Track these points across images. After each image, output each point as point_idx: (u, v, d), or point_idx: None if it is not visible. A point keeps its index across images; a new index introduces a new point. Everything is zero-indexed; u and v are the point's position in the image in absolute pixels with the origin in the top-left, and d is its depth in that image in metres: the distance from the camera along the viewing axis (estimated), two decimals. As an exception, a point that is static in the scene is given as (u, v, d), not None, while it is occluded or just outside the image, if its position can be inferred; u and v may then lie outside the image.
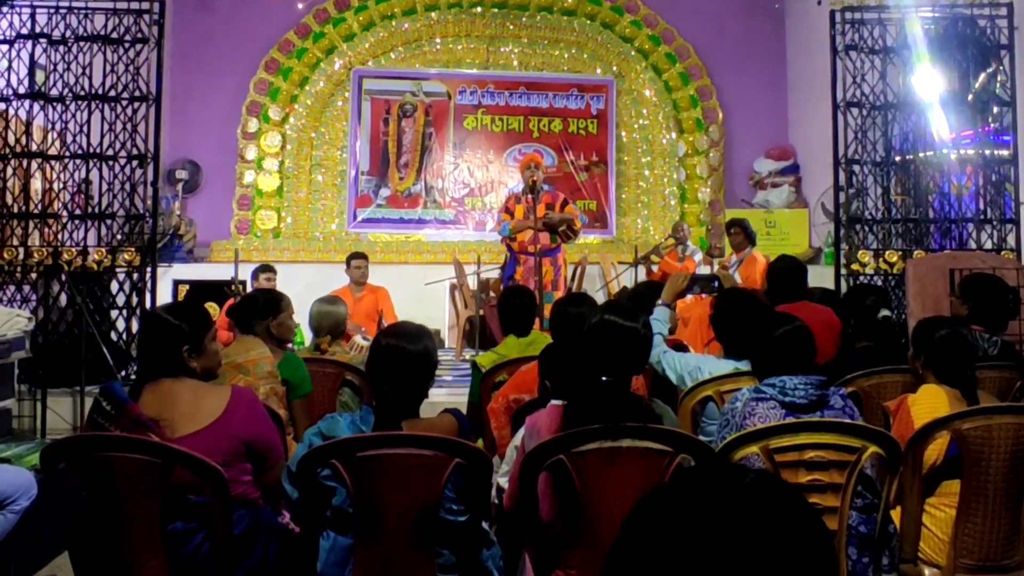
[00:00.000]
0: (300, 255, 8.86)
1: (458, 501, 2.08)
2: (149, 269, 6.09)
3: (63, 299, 5.93)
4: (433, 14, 9.62)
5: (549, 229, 6.14)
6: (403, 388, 2.18)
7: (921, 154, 6.38)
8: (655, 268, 7.15)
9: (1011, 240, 6.16)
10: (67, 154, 6.00)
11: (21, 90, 5.96)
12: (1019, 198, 6.14)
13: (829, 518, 2.12)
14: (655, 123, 9.81)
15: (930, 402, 2.51)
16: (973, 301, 3.51)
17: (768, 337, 2.40)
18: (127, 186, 6.06)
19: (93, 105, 6.01)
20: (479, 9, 9.68)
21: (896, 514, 2.42)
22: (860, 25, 6.40)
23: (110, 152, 6.02)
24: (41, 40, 5.99)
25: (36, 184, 6.09)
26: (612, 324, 2.19)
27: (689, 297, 5.43)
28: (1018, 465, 2.32)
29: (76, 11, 6.02)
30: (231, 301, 5.97)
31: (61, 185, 6.01)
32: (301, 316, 4.00)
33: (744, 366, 3.01)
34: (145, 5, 6.10)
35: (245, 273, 6.86)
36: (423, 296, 7.70)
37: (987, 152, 6.27)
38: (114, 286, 6.05)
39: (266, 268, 6.29)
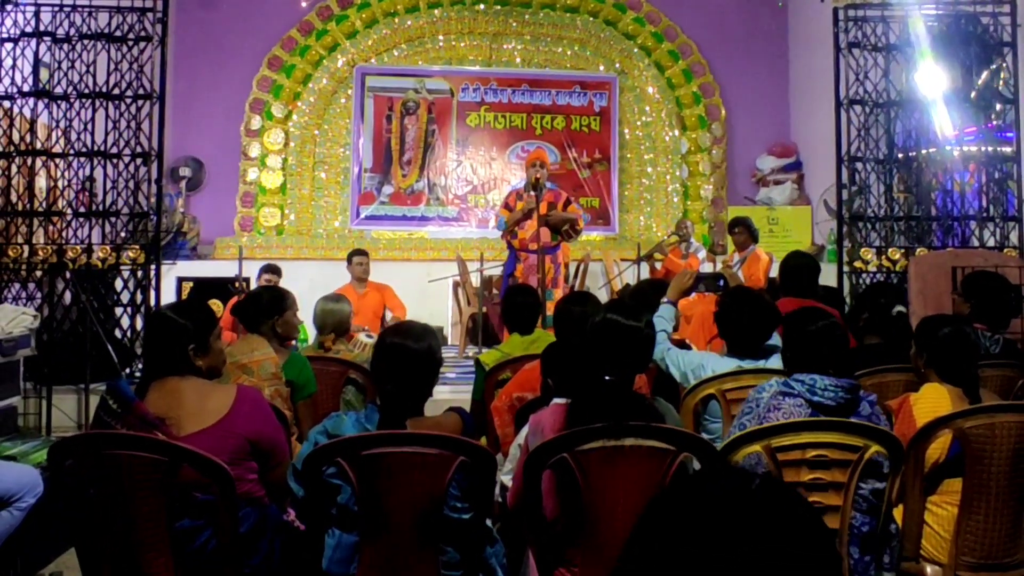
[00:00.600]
0: (303, 252, 8.88)
1: (462, 499, 2.10)
2: (153, 267, 6.11)
3: (68, 297, 5.95)
4: (436, 11, 9.63)
5: (551, 228, 6.15)
6: (407, 387, 2.19)
7: (924, 151, 6.38)
8: (659, 266, 7.15)
9: (1014, 238, 6.15)
10: (71, 152, 6.01)
11: (25, 88, 5.96)
12: (1022, 195, 6.14)
13: (831, 517, 2.13)
14: (658, 120, 9.81)
15: (932, 401, 2.52)
16: (975, 299, 3.51)
17: (802, 332, 2.38)
18: (131, 184, 6.06)
19: (97, 103, 6.01)
20: (482, 6, 9.68)
21: (898, 512, 2.43)
22: (863, 22, 6.39)
23: (114, 150, 6.03)
24: (45, 38, 5.99)
25: (40, 182, 6.10)
26: (615, 323, 2.20)
27: (692, 295, 5.44)
28: (1020, 463, 2.33)
29: (80, 9, 6.02)
30: (235, 299, 5.99)
31: (65, 183, 6.02)
32: (304, 313, 4.01)
33: (747, 364, 3.02)
34: (149, 3, 6.10)
35: (249, 270, 6.88)
36: (426, 293, 7.72)
37: (990, 149, 6.26)
38: (118, 284, 6.06)
39: (270, 268, 6.29)
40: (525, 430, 2.37)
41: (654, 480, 2.04)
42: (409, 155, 9.50)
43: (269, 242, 8.94)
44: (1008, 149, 6.22)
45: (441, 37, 9.72)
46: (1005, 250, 6.03)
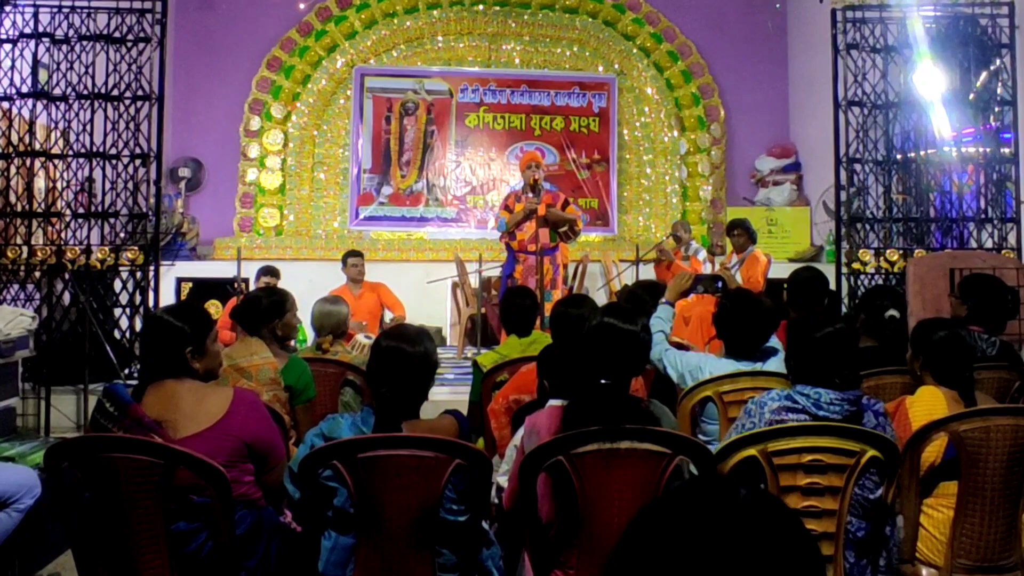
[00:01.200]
0: (302, 253, 8.88)
1: (458, 501, 2.10)
2: (152, 268, 6.11)
3: (67, 298, 5.96)
4: (435, 12, 9.64)
5: (551, 225, 6.15)
6: (403, 390, 2.20)
7: (922, 153, 6.39)
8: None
9: (1012, 239, 6.16)
10: (70, 153, 6.02)
11: (24, 89, 5.98)
12: (1020, 197, 6.14)
13: (827, 521, 2.13)
14: (657, 121, 9.82)
15: (928, 403, 2.53)
16: (972, 301, 3.52)
17: (807, 339, 2.34)
18: (130, 185, 6.07)
19: (96, 104, 6.02)
20: (481, 7, 9.69)
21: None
22: (861, 24, 6.40)
23: (113, 151, 6.04)
24: (44, 39, 6.00)
25: (39, 183, 6.11)
26: (611, 327, 2.21)
27: (690, 296, 5.44)
28: (1015, 466, 2.33)
29: (79, 10, 6.03)
30: (233, 300, 6.00)
31: (64, 184, 6.03)
32: (303, 314, 4.01)
33: (744, 366, 3.02)
34: (148, 4, 6.11)
35: (248, 271, 6.88)
36: (425, 294, 7.72)
37: (988, 151, 6.27)
38: (117, 284, 6.07)
39: (268, 271, 6.28)
40: (521, 431, 2.37)
41: (650, 483, 2.05)
42: (408, 156, 9.51)
43: (268, 243, 8.94)
44: (1006, 150, 6.23)
45: (440, 38, 9.72)
46: (1003, 251, 6.04)
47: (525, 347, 3.60)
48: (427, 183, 9.51)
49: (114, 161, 6.04)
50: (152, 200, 6.18)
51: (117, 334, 6.02)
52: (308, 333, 5.01)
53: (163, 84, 6.14)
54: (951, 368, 2.58)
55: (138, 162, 6.06)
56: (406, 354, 2.20)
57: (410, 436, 2.10)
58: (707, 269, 7.02)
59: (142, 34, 6.11)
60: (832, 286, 6.21)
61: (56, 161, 6.04)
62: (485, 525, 2.31)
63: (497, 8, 9.71)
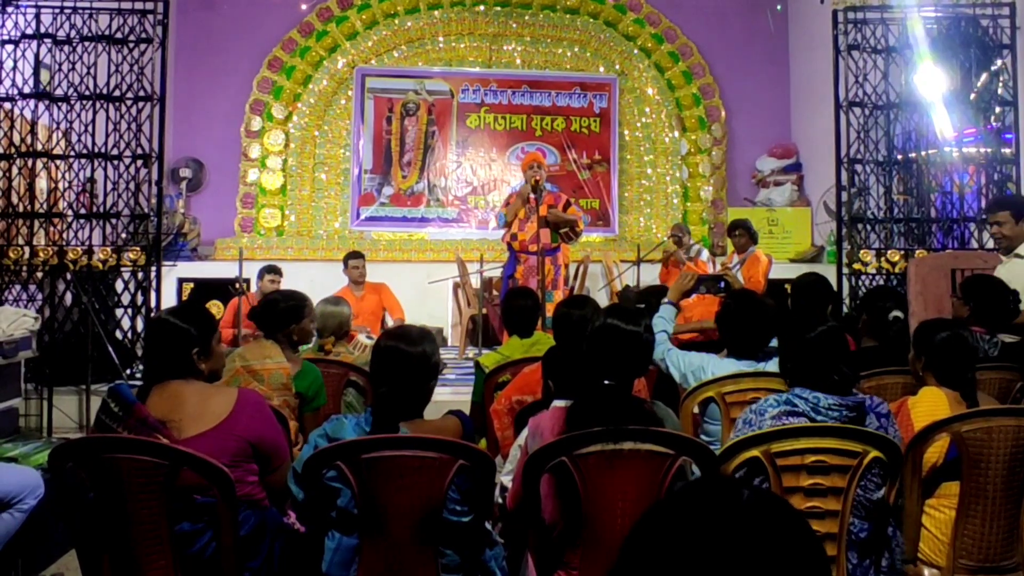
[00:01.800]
0: (304, 253, 8.89)
1: (462, 502, 2.11)
2: (154, 268, 6.12)
3: (68, 298, 5.96)
4: (436, 12, 9.64)
5: (552, 226, 6.15)
6: (401, 390, 2.20)
7: (923, 153, 6.40)
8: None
9: (1013, 239, 6.15)
10: (72, 154, 6.03)
11: (26, 90, 5.99)
12: (1021, 197, 6.15)
13: (829, 522, 2.13)
14: (658, 121, 9.82)
15: (930, 404, 2.53)
16: (974, 302, 3.52)
17: (801, 338, 2.32)
18: (132, 185, 6.09)
19: (98, 105, 6.04)
20: (482, 7, 9.70)
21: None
22: (862, 25, 6.41)
23: (115, 151, 6.05)
24: (46, 40, 6.01)
25: (41, 183, 6.12)
26: (614, 328, 2.21)
27: (692, 296, 5.45)
28: (1017, 467, 2.34)
29: (81, 11, 6.04)
30: (235, 301, 6.00)
31: (66, 184, 6.04)
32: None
33: (746, 366, 3.03)
34: (149, 5, 6.12)
35: (249, 271, 6.88)
36: (426, 294, 7.73)
37: (989, 151, 6.28)
38: (119, 285, 6.08)
39: (272, 269, 6.29)
40: (525, 432, 2.37)
41: (653, 484, 2.05)
42: (409, 156, 9.51)
43: (269, 243, 8.95)
44: (1007, 151, 6.24)
45: (441, 38, 9.73)
46: (1004, 252, 6.04)
47: (527, 348, 3.60)
48: (428, 184, 9.52)
49: (116, 162, 6.06)
50: (154, 201, 6.20)
51: (119, 334, 6.03)
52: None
53: (165, 85, 6.15)
54: (953, 369, 2.58)
55: (140, 163, 6.08)
56: (405, 354, 2.20)
57: (414, 437, 2.10)
58: (711, 270, 7.03)
59: (144, 35, 6.12)
60: (833, 287, 6.23)
61: (58, 162, 6.05)
62: (488, 526, 2.31)
63: (498, 8, 9.72)
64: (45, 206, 6.00)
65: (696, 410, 2.98)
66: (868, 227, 6.39)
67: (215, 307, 6.82)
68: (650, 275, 7.48)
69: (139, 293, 6.09)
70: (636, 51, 9.83)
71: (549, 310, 5.59)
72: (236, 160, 9.27)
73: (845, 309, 6.01)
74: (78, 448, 2.19)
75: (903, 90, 6.41)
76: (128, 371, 5.78)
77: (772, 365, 3.00)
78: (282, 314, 3.28)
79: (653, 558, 0.69)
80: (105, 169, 6.06)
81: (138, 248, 6.04)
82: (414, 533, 2.06)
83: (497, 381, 3.38)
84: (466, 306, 7.28)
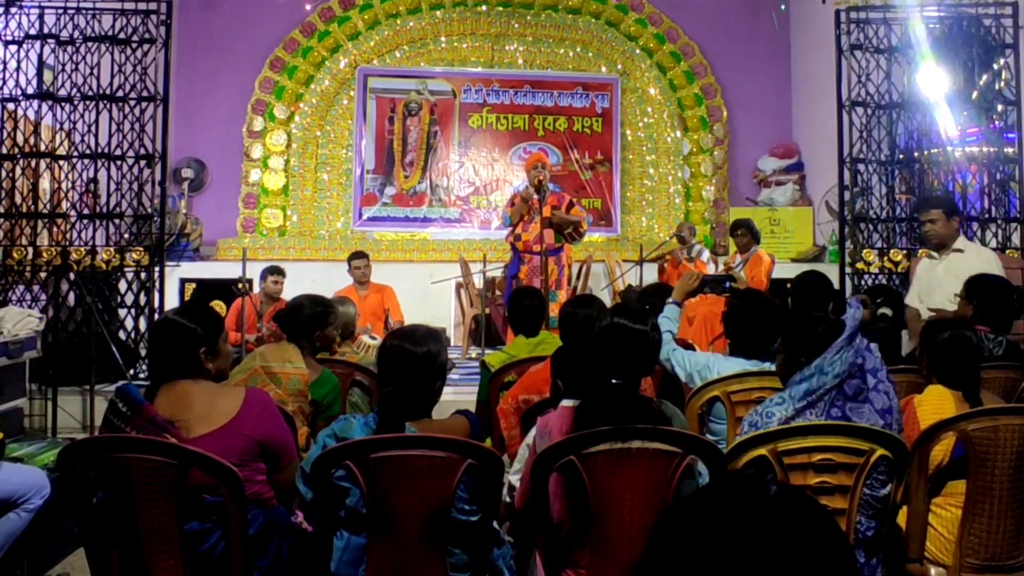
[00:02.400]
0: (306, 253, 8.90)
1: (470, 501, 2.11)
2: (157, 268, 6.13)
3: (72, 299, 5.97)
4: (438, 12, 9.65)
5: (556, 227, 6.17)
6: (406, 389, 2.20)
7: (926, 153, 6.39)
8: (666, 266, 7.17)
9: (1016, 239, 6.17)
10: (75, 154, 6.03)
11: (30, 90, 5.99)
12: (1024, 196, 6.16)
13: (837, 520, 2.14)
14: (660, 121, 9.83)
15: (936, 403, 2.54)
16: (978, 301, 3.52)
17: (808, 333, 2.32)
18: (135, 185, 6.09)
19: (101, 105, 6.04)
20: (484, 8, 9.70)
21: (902, 514, 2.44)
22: (865, 24, 6.41)
23: (118, 152, 6.06)
24: (49, 41, 6.01)
25: (45, 184, 6.12)
26: (621, 327, 2.21)
27: (695, 296, 5.45)
28: (1023, 465, 2.34)
29: (84, 12, 6.04)
30: (238, 301, 6.00)
31: (69, 185, 6.04)
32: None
33: (751, 366, 3.03)
34: (152, 6, 6.12)
35: (252, 272, 6.88)
36: (429, 295, 7.73)
37: (992, 150, 6.28)
38: (122, 285, 6.08)
39: (275, 270, 6.29)
40: (533, 431, 2.38)
41: (661, 483, 2.06)
42: (411, 156, 9.52)
43: (272, 243, 8.95)
44: (1010, 150, 6.24)
45: (443, 38, 9.74)
46: (1007, 251, 6.04)
47: (533, 347, 3.61)
48: (430, 184, 9.52)
49: (119, 162, 6.06)
50: (156, 201, 6.20)
51: (122, 335, 6.03)
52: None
53: (167, 85, 6.15)
54: (956, 369, 2.59)
55: (143, 163, 6.08)
56: (410, 354, 2.20)
57: (422, 436, 2.10)
58: (711, 270, 7.03)
59: (147, 35, 6.12)
60: (835, 285, 6.23)
61: (61, 162, 6.05)
62: (496, 525, 2.31)
63: (500, 9, 9.73)
64: (49, 207, 6.01)
65: (702, 409, 2.98)
66: (870, 227, 6.39)
67: (218, 307, 6.82)
68: (652, 275, 7.48)
69: (142, 293, 6.09)
70: (638, 51, 9.84)
71: (553, 310, 5.61)
72: (238, 160, 9.28)
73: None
74: (87, 448, 2.19)
75: (905, 90, 6.41)
76: (131, 371, 5.78)
77: (777, 364, 3.00)
78: (307, 319, 3.26)
79: (680, 554, 0.69)
80: (108, 169, 6.06)
81: (141, 248, 6.05)
82: (422, 532, 2.07)
83: (503, 381, 3.38)
84: (469, 306, 7.28)
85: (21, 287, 5.88)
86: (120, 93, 6.07)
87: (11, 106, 5.97)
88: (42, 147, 6.02)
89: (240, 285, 6.59)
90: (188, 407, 2.24)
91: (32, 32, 5.99)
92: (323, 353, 3.89)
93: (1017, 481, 2.35)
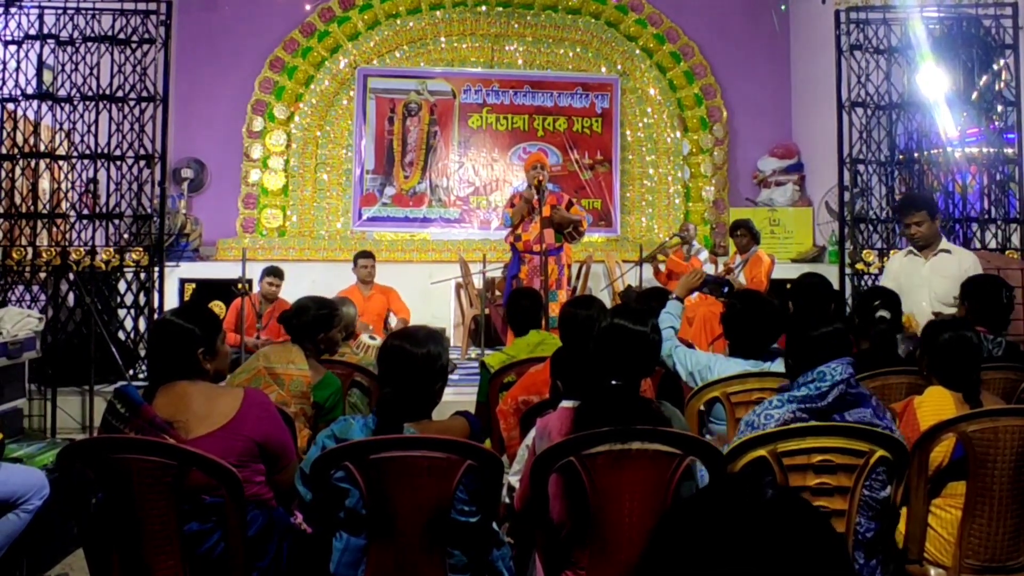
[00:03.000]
0: (305, 253, 8.89)
1: (469, 502, 2.11)
2: (156, 269, 6.13)
3: (71, 299, 5.96)
4: (438, 13, 9.65)
5: (556, 226, 6.16)
6: (406, 390, 2.20)
7: (926, 153, 6.40)
8: (662, 267, 7.17)
9: (1015, 239, 6.17)
10: (75, 154, 6.04)
11: (29, 91, 5.99)
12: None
13: (836, 521, 2.14)
14: (659, 121, 9.83)
15: (936, 404, 2.53)
16: (970, 302, 3.51)
17: (806, 335, 2.34)
18: (134, 186, 6.09)
19: (101, 105, 6.04)
20: (484, 8, 9.70)
21: (902, 515, 2.43)
22: (865, 25, 6.41)
23: (117, 152, 6.06)
24: (49, 41, 6.01)
25: (44, 184, 6.12)
26: (621, 328, 2.21)
27: (694, 296, 5.46)
28: (1023, 466, 2.34)
29: (84, 12, 6.04)
30: (238, 301, 6.00)
31: (69, 185, 6.04)
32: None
33: (751, 366, 3.03)
34: (152, 6, 6.12)
35: (251, 272, 6.88)
36: (428, 295, 7.73)
37: (991, 151, 6.28)
38: (122, 286, 6.08)
39: (272, 272, 6.29)
40: (533, 432, 2.38)
41: (660, 484, 2.06)
42: (411, 156, 9.52)
43: (271, 244, 8.95)
44: (1010, 151, 6.24)
45: (443, 39, 9.74)
46: (1007, 252, 6.04)
47: (532, 348, 3.61)
48: (430, 184, 9.52)
49: (118, 162, 6.06)
50: (156, 201, 6.20)
51: (122, 335, 6.03)
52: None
53: (167, 85, 6.15)
54: (956, 370, 2.58)
55: (142, 163, 6.08)
56: (409, 354, 2.20)
57: (422, 437, 2.10)
58: (708, 270, 7.03)
59: (146, 35, 6.12)
60: (836, 287, 6.23)
61: (61, 162, 6.05)
62: (496, 526, 2.31)
63: (500, 9, 9.73)
64: (48, 207, 6.01)
65: (702, 409, 2.98)
66: (870, 227, 6.40)
67: (217, 308, 6.82)
68: (652, 275, 7.48)
69: (142, 294, 6.09)
70: (638, 51, 9.84)
71: (553, 310, 5.61)
72: (238, 160, 9.27)
73: (848, 310, 6.01)
74: (86, 448, 2.19)
75: (905, 90, 6.41)
76: (131, 371, 5.78)
77: (777, 365, 3.00)
78: (312, 321, 3.25)
79: (679, 557, 0.70)
80: (108, 170, 6.06)
81: (141, 249, 6.05)
82: (422, 533, 2.06)
83: (502, 381, 3.38)
84: (468, 306, 7.28)
85: (21, 287, 5.88)
86: (120, 93, 6.07)
87: (11, 106, 5.97)
88: (42, 147, 6.02)
89: (240, 285, 6.59)
90: (187, 408, 2.24)
91: (32, 32, 5.99)
92: (324, 354, 3.90)
93: (1017, 482, 2.34)
